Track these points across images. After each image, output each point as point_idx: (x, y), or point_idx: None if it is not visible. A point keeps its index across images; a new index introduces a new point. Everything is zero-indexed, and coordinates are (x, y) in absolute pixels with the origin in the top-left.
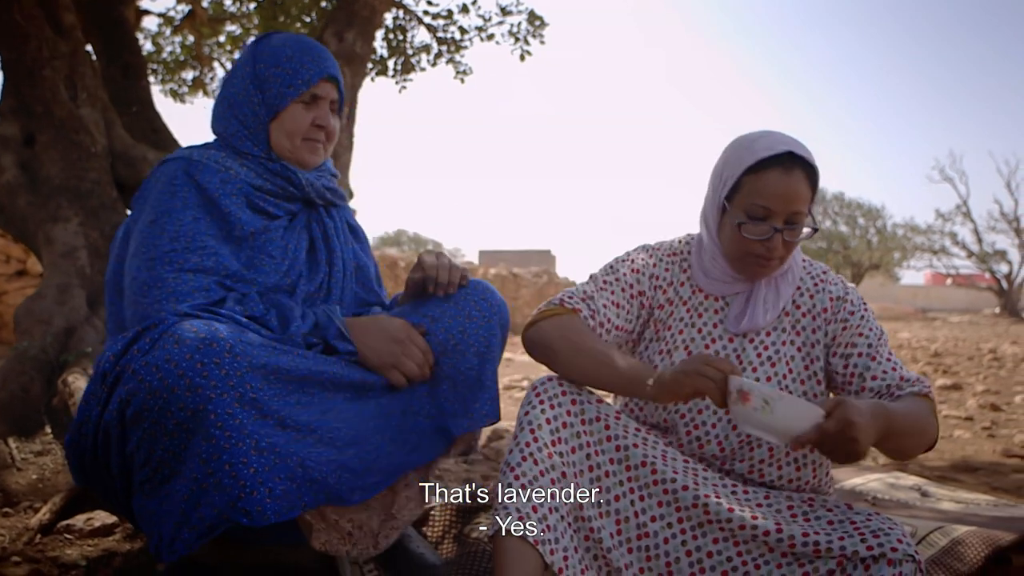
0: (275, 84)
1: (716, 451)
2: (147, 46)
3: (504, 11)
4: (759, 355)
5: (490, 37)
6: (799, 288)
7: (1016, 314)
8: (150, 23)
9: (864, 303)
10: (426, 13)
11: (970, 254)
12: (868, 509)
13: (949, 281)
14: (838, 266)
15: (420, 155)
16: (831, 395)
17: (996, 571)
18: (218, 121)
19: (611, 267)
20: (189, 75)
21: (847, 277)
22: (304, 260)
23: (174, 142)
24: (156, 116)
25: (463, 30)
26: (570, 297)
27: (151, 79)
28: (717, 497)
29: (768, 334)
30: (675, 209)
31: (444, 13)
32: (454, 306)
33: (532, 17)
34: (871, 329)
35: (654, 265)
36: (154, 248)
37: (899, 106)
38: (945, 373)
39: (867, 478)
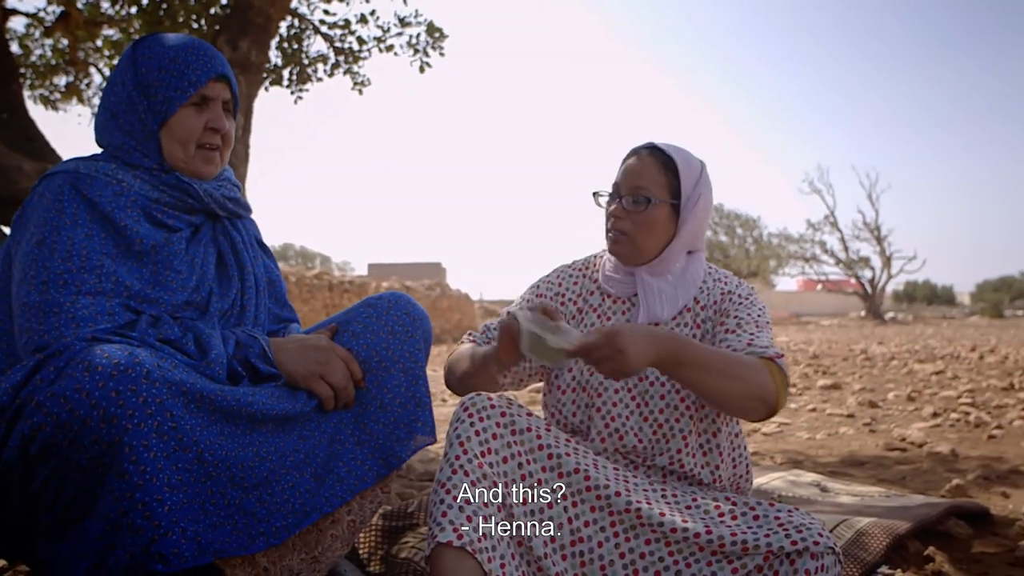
0: (161, 88)
1: (635, 442)
2: (14, 48)
3: (403, 22)
4: None
5: (389, 48)
6: (702, 288)
7: (879, 316)
8: (17, 24)
9: (752, 296)
10: (323, 23)
11: (838, 261)
12: (788, 505)
13: (820, 287)
14: None
15: (307, 167)
16: None
17: (895, 557)
18: (102, 133)
19: (525, 294)
20: (62, 81)
21: None
22: (214, 275)
23: (51, 151)
24: (31, 124)
25: (361, 40)
26: (474, 332)
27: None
28: (648, 503)
29: (672, 329)
30: (568, 219)
31: (341, 23)
32: (376, 321)
33: (431, 29)
34: (748, 312)
35: (559, 283)
36: (45, 270)
37: (774, 120)
38: (825, 374)
39: (769, 477)
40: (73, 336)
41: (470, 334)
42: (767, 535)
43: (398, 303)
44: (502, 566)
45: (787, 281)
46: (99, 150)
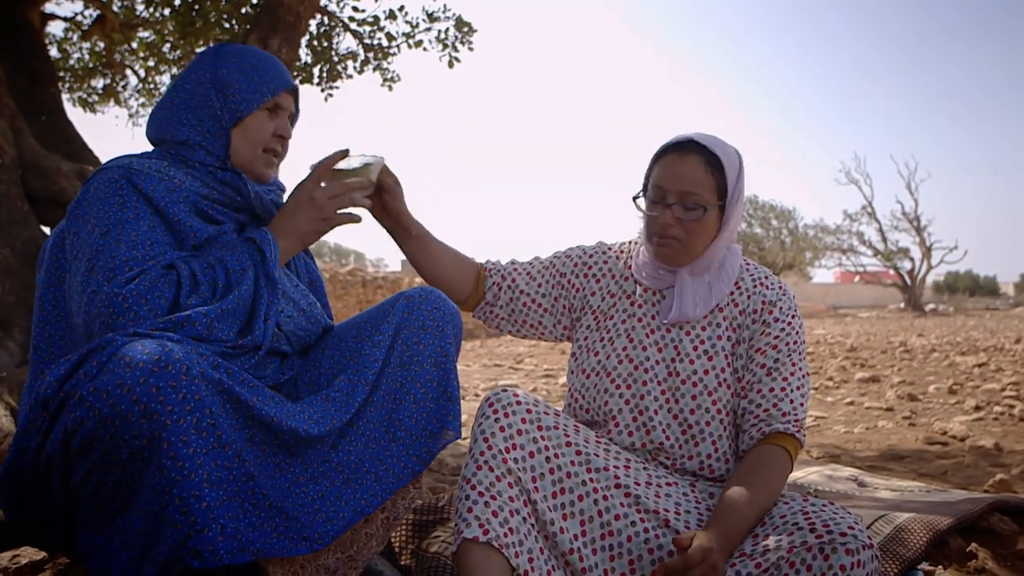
0: (240, 89)
1: (663, 439)
2: (53, 52)
3: (431, 17)
4: (695, 348)
5: (418, 44)
6: (739, 286)
7: (919, 308)
8: (55, 28)
9: (794, 313)
10: (352, 19)
11: (876, 252)
12: (822, 500)
13: (857, 279)
14: None
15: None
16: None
17: (936, 554)
18: (165, 126)
19: (557, 254)
20: (100, 83)
21: None
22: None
23: (89, 152)
24: (68, 125)
25: (390, 36)
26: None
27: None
28: (677, 514)
29: (704, 328)
30: (611, 209)
31: (371, 19)
32: (408, 317)
33: (460, 23)
34: (787, 344)
35: (590, 256)
36: (112, 259)
37: (808, 110)
38: (863, 367)
39: (806, 472)
40: (146, 312)
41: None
42: (791, 533)
43: (429, 298)
44: (530, 560)
45: (824, 273)
46: (142, 149)
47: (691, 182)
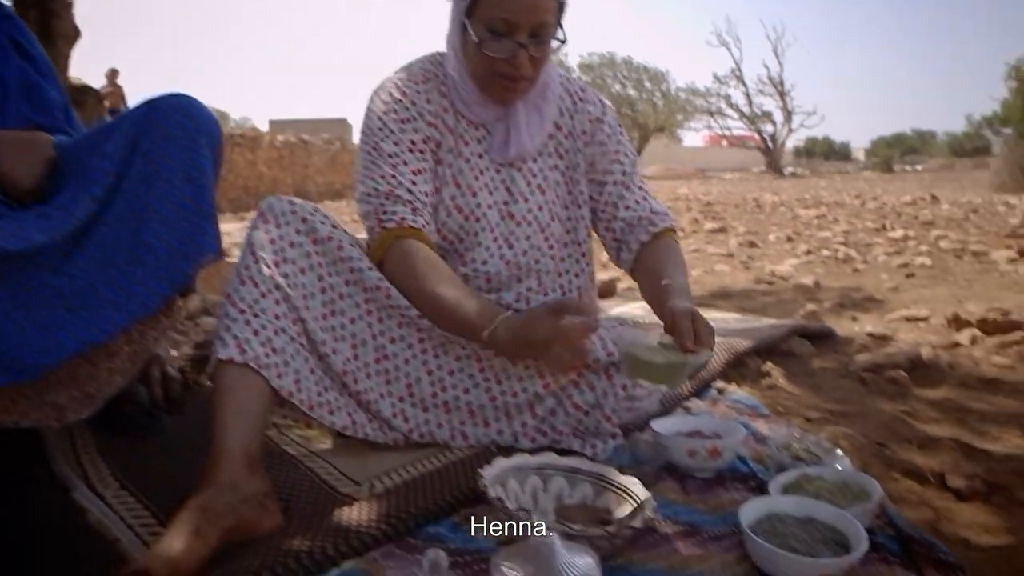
0: None
1: (483, 285)
2: None
3: None
4: (528, 184)
5: None
6: (561, 110)
7: (779, 171)
8: None
9: (619, 123)
10: None
11: (742, 115)
12: (613, 322)
13: (724, 143)
14: (627, 128)
15: (201, 19)
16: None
17: (735, 375)
18: None
19: (382, 130)
20: None
21: (635, 139)
22: None
23: None
24: None
25: None
26: (384, 213)
27: None
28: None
29: (535, 160)
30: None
31: None
32: (149, 126)
33: None
34: (626, 155)
35: (412, 103)
36: None
37: None
38: (714, 219)
39: (630, 307)
40: None
41: (384, 223)
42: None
43: (177, 104)
44: (296, 381)
45: (693, 136)
46: None
47: (544, 11)
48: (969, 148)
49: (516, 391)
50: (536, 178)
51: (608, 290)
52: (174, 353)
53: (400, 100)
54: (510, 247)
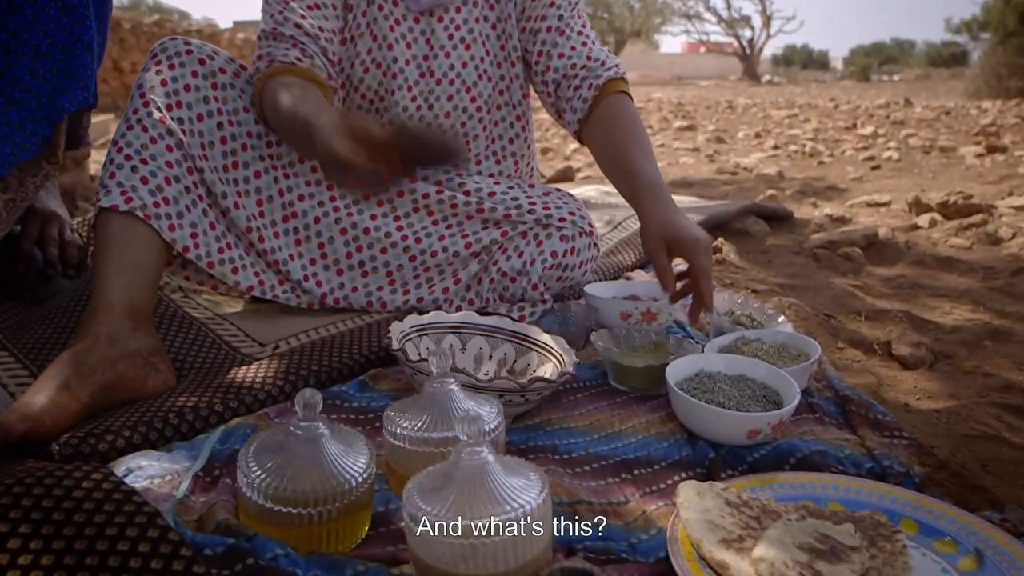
0: None
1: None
2: None
3: None
4: (450, 36)
5: None
6: None
7: (755, 78)
8: None
9: None
10: None
11: (720, 19)
12: (555, 188)
13: (703, 50)
14: (603, 32)
15: None
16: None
17: None
18: None
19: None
20: None
21: (611, 44)
22: None
23: None
24: None
25: None
26: (262, 55)
27: None
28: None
29: (458, 9)
30: None
31: None
32: None
33: None
34: None
35: None
36: None
37: None
38: (684, 118)
39: (584, 188)
40: None
41: (259, 58)
42: (508, 215)
43: None
44: (193, 235)
45: (671, 42)
46: None
47: None
48: (947, 56)
49: (436, 250)
50: (460, 30)
51: (565, 176)
52: (78, 219)
53: None
54: (429, 107)
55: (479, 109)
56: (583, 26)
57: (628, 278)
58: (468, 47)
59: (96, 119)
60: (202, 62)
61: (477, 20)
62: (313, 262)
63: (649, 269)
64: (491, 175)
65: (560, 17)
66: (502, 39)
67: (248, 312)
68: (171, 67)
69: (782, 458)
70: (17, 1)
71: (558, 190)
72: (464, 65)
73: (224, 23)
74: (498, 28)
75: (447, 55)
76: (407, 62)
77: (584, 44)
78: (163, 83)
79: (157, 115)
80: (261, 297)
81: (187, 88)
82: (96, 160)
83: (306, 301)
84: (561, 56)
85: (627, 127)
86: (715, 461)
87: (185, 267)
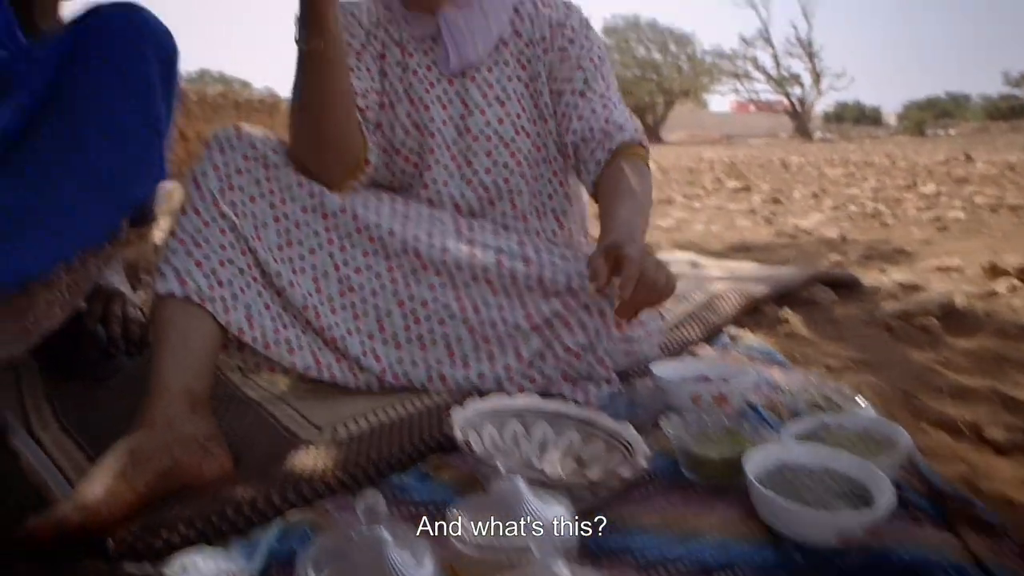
0: None
1: (453, 212)
2: None
3: None
4: (484, 96)
5: None
6: (518, 13)
7: (807, 135)
8: None
9: (587, 26)
10: None
11: (769, 78)
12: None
13: (753, 108)
14: (651, 92)
15: None
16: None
17: (749, 322)
18: None
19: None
20: None
21: (659, 104)
22: None
23: None
24: None
25: None
26: None
27: None
28: (429, 237)
29: (490, 70)
30: None
31: None
32: (91, 35)
33: None
34: (592, 60)
35: (352, 15)
36: None
37: None
38: (737, 178)
39: None
40: None
41: None
42: (569, 275)
43: (127, 15)
44: (248, 318)
45: (720, 102)
46: None
47: None
48: (1005, 109)
49: (496, 322)
50: (493, 89)
51: None
52: (141, 296)
53: (345, 10)
54: (468, 164)
55: (519, 164)
56: (606, 88)
57: (694, 353)
58: (503, 104)
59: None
60: (253, 146)
61: (510, 79)
62: (371, 337)
63: (716, 344)
64: (538, 233)
65: (585, 80)
66: (535, 97)
67: (306, 391)
68: (223, 152)
69: (878, 566)
70: (88, 88)
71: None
72: (500, 122)
73: (284, 92)
74: (531, 87)
75: (483, 113)
76: (444, 123)
77: (605, 107)
78: (215, 168)
79: (211, 200)
80: (319, 378)
81: (239, 172)
82: (160, 227)
83: (364, 382)
84: (581, 118)
85: (625, 185)
86: (801, 567)
87: (241, 349)
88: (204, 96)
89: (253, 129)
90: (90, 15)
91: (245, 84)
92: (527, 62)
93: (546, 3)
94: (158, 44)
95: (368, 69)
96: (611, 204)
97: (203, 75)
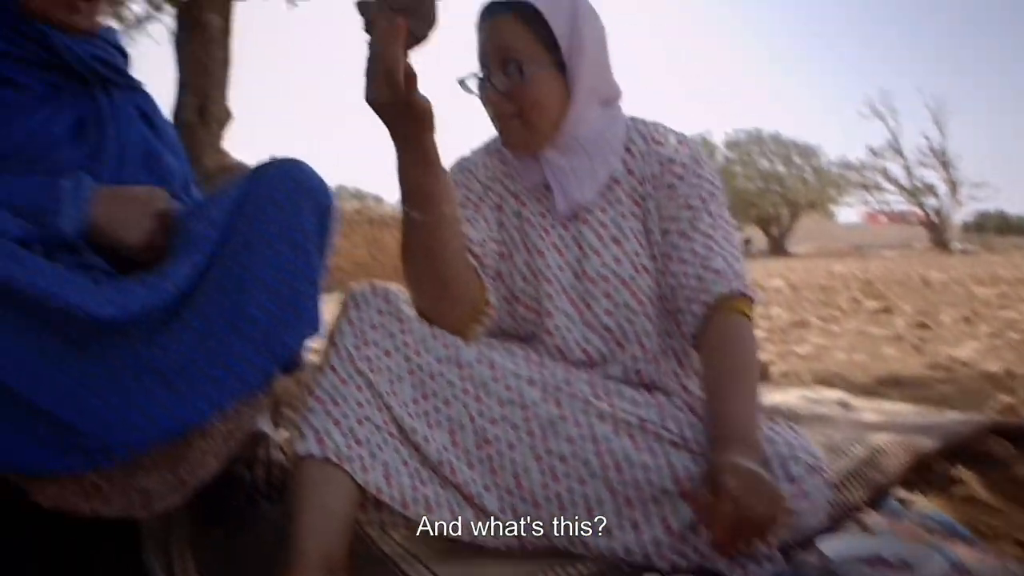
0: None
1: (581, 357)
2: None
3: None
4: (600, 237)
5: None
6: (631, 152)
7: (945, 246)
8: None
9: (699, 162)
10: None
11: (901, 189)
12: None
13: (884, 219)
14: (776, 205)
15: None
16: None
17: (917, 480)
18: None
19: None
20: None
21: (785, 216)
22: (64, 141)
23: None
24: None
25: None
26: None
27: None
28: (568, 385)
29: (604, 210)
30: None
31: None
32: (255, 190)
33: None
34: (700, 198)
35: (469, 171)
36: None
37: (830, 45)
38: (876, 298)
39: (786, 395)
40: None
41: None
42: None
43: (283, 168)
44: (386, 476)
45: (849, 212)
46: None
47: (502, 43)
48: None
49: (639, 481)
50: (608, 228)
51: (760, 375)
52: (282, 434)
53: (461, 168)
54: (588, 307)
55: (641, 303)
56: (713, 228)
57: (861, 522)
58: (619, 244)
59: None
60: (387, 300)
61: (624, 216)
62: (510, 493)
63: (883, 508)
64: (675, 375)
65: (690, 220)
66: (651, 234)
67: (444, 551)
68: (356, 307)
69: None
70: (250, 241)
71: (771, 419)
72: (618, 262)
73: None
74: (647, 224)
75: (598, 254)
76: (560, 268)
77: (709, 248)
78: (351, 324)
79: (347, 357)
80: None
81: (373, 327)
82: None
83: (504, 544)
84: (681, 260)
85: (729, 364)
86: None
87: (379, 508)
88: (344, 213)
89: (385, 284)
90: (254, 171)
91: (378, 199)
92: (641, 199)
93: (657, 139)
94: (314, 197)
95: (486, 220)
96: (717, 386)
97: (340, 190)
